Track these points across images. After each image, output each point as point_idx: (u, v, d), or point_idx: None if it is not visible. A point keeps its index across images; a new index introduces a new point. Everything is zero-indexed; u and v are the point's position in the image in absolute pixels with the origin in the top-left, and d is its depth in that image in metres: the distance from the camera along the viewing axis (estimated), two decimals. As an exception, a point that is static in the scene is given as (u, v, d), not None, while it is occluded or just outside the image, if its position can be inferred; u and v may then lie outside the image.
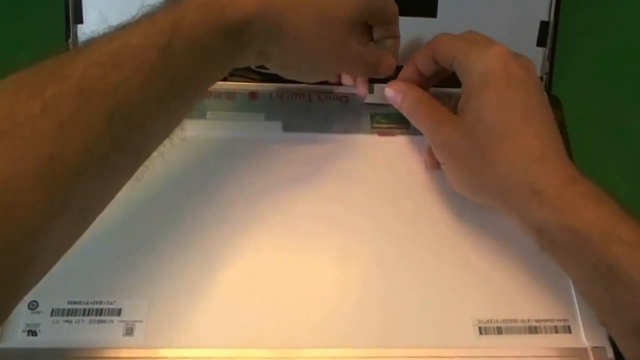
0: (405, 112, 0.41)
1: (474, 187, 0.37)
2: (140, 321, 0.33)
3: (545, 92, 0.40)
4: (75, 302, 0.33)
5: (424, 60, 0.41)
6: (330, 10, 0.35)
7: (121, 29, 0.30)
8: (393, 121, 0.42)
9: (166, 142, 0.33)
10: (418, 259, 0.37)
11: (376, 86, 0.43)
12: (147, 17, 0.31)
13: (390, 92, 0.41)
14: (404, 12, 0.44)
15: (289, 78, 0.39)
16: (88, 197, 0.29)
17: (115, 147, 0.28)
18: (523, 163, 0.34)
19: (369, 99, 0.43)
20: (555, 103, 0.44)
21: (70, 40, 0.43)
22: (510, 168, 0.35)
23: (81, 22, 0.44)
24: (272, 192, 0.38)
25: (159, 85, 0.30)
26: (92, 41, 0.30)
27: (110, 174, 0.29)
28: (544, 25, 0.46)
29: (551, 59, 0.46)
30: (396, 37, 0.42)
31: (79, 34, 0.44)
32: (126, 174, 0.31)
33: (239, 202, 0.38)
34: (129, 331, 0.32)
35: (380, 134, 0.42)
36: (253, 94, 0.43)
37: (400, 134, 0.42)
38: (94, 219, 0.30)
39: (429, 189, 0.40)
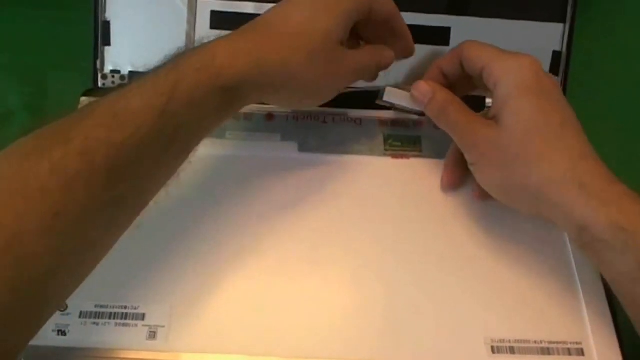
0: (432, 113, 0.42)
1: (507, 188, 0.39)
2: (163, 326, 0.37)
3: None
4: (102, 306, 0.37)
5: (450, 64, 0.44)
6: (318, 43, 0.39)
7: (125, 89, 0.34)
8: (406, 144, 0.46)
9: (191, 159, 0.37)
10: (431, 277, 0.40)
11: (388, 89, 0.45)
12: (150, 77, 0.34)
13: (416, 93, 0.43)
14: (418, 40, 0.49)
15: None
16: (91, 245, 0.32)
17: (114, 202, 0.32)
18: (568, 160, 0.37)
19: (387, 96, 0.45)
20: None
21: (98, 61, 0.49)
22: (555, 165, 0.37)
23: (109, 44, 0.49)
24: (287, 209, 0.42)
25: (157, 144, 0.33)
26: (97, 103, 0.33)
27: (110, 225, 0.33)
28: (556, 54, 0.50)
29: (564, 87, 0.50)
30: (403, 29, 0.44)
31: (106, 55, 0.49)
32: (124, 224, 0.34)
33: (256, 217, 0.42)
34: (152, 335, 0.37)
35: (394, 156, 0.46)
36: (270, 116, 0.47)
37: (413, 156, 0.46)
38: (99, 261, 0.33)
39: (441, 210, 0.43)
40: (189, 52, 0.36)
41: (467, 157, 0.41)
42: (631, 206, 0.35)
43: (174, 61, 0.35)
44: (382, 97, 0.44)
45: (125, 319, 0.37)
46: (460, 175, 0.44)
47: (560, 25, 0.50)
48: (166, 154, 0.34)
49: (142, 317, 0.37)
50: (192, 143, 0.36)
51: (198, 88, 0.34)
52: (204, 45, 0.36)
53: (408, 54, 0.45)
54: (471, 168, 0.41)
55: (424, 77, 0.45)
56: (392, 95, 0.44)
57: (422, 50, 0.49)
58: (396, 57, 0.44)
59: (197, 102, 0.34)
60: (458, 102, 0.42)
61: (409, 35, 0.45)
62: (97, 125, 0.32)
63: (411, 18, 0.49)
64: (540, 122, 0.38)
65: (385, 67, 0.44)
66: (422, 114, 0.43)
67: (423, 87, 0.43)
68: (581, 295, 0.40)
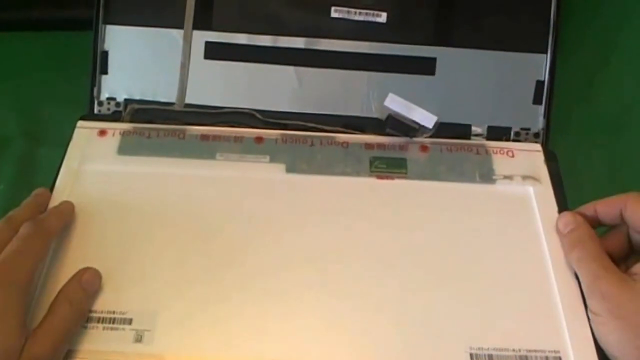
0: (569, 242, 0.45)
1: (629, 349, 0.39)
2: (149, 330, 0.41)
3: None
4: (91, 311, 0.41)
5: (608, 210, 0.45)
6: None
7: None
8: (391, 166, 0.50)
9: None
10: (413, 288, 0.43)
11: (391, 95, 0.50)
12: None
13: (561, 221, 0.46)
14: (405, 71, 0.54)
15: None
16: None
17: None
18: None
19: (388, 101, 0.50)
20: (551, 157, 0.52)
21: (95, 88, 0.54)
22: None
23: (106, 73, 0.54)
24: (274, 227, 0.46)
25: None
26: None
27: None
28: (539, 84, 0.55)
29: (547, 115, 0.54)
30: None
31: (103, 83, 0.54)
32: None
33: (243, 233, 0.46)
34: (139, 338, 0.40)
35: (379, 177, 0.50)
36: (259, 138, 0.51)
37: (398, 178, 0.50)
38: None
39: (424, 229, 0.47)
40: None
41: (589, 302, 0.42)
42: None
43: None
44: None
45: (113, 323, 0.41)
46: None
47: (543, 56, 0.54)
48: None
49: (129, 321, 0.41)
50: None
51: None
52: None
53: None
54: (590, 315, 0.42)
55: (578, 209, 0.47)
56: (395, 103, 0.49)
57: (409, 80, 0.54)
58: None
59: None
60: (597, 243, 0.43)
61: None
62: None
63: (398, 49, 0.54)
64: None
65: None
66: (414, 131, 0.48)
67: (568, 217, 0.46)
68: (559, 304, 0.43)
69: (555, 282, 0.44)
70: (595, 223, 0.46)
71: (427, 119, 0.51)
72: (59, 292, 0.40)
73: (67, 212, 0.45)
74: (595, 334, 0.41)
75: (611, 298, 0.40)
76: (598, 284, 0.41)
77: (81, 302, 0.40)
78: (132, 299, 0.42)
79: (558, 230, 0.46)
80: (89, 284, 0.41)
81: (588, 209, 0.46)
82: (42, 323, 0.38)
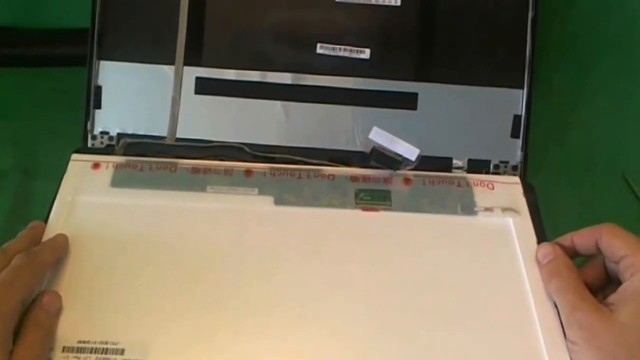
0: (546, 273, 0.46)
1: None
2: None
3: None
4: (84, 342, 0.42)
5: (585, 240, 0.46)
6: None
7: None
8: (376, 198, 0.52)
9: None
10: (395, 322, 0.44)
11: (375, 128, 0.52)
12: None
13: (540, 252, 0.47)
14: (387, 105, 0.56)
15: None
16: None
17: None
18: None
19: (373, 134, 0.51)
20: (529, 189, 0.54)
21: (89, 122, 0.55)
22: None
23: (99, 107, 0.56)
24: (262, 258, 0.47)
25: None
26: None
27: None
28: (517, 118, 0.56)
29: (525, 149, 0.56)
30: None
31: (96, 117, 0.56)
32: None
33: (232, 265, 0.47)
34: (131, 368, 0.41)
35: (364, 209, 0.51)
36: (248, 172, 0.53)
37: (383, 209, 0.51)
38: None
39: (407, 261, 0.48)
40: None
41: (567, 331, 0.43)
42: None
43: None
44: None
45: (106, 353, 0.41)
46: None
47: (520, 91, 0.56)
48: None
49: (122, 352, 0.41)
50: None
51: None
52: None
53: None
54: (568, 344, 0.42)
55: (555, 241, 0.48)
56: (379, 136, 0.50)
57: (392, 115, 0.56)
58: None
59: None
60: (576, 274, 0.45)
61: None
62: None
63: (381, 84, 0.56)
64: None
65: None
66: (398, 163, 0.49)
67: (546, 248, 0.47)
68: (540, 334, 0.44)
69: (536, 312, 0.45)
70: (572, 253, 0.47)
71: (410, 152, 0.53)
72: (25, 320, 0.41)
73: (61, 245, 0.46)
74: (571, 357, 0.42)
75: (588, 328, 0.41)
76: (575, 314, 0.42)
77: (48, 324, 0.42)
78: (124, 329, 0.43)
79: (537, 261, 0.48)
80: (50, 304, 0.42)
81: (565, 239, 0.47)
82: (16, 350, 0.39)
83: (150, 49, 0.56)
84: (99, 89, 0.56)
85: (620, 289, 0.42)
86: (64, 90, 0.63)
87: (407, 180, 0.53)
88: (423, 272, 0.48)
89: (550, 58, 0.67)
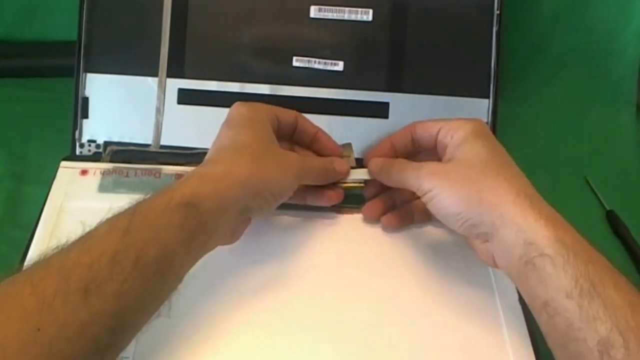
0: (384, 178, 0.51)
1: (466, 206, 0.44)
2: (128, 357, 0.43)
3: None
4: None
5: (402, 139, 0.52)
6: (254, 147, 0.46)
7: (100, 222, 0.39)
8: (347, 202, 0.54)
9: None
10: (365, 319, 0.46)
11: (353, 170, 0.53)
12: (118, 210, 0.40)
13: (370, 167, 0.52)
14: (361, 114, 0.58)
15: None
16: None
17: (93, 319, 0.35)
18: (519, 185, 0.44)
19: (352, 176, 0.53)
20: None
21: (77, 131, 0.58)
22: (510, 187, 0.43)
23: (87, 117, 0.58)
24: (243, 258, 0.49)
25: (125, 262, 0.37)
26: (73, 241, 0.38)
27: (90, 344, 0.35)
28: (483, 125, 0.59)
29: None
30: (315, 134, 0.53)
31: (84, 126, 0.58)
32: (106, 347, 0.36)
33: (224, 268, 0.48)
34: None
35: (338, 212, 0.54)
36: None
37: (357, 212, 0.53)
38: None
39: (377, 258, 0.51)
40: None
41: (422, 187, 0.46)
42: (568, 226, 0.42)
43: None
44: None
45: None
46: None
47: (486, 101, 0.59)
48: (136, 274, 0.37)
49: None
50: (164, 263, 0.39)
51: (156, 207, 0.40)
52: None
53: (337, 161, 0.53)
54: (426, 197, 0.46)
55: (376, 147, 0.54)
56: (355, 175, 0.53)
57: (364, 123, 0.59)
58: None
59: (156, 219, 0.39)
60: (401, 159, 0.50)
61: (330, 142, 0.53)
62: (71, 251, 0.37)
63: (355, 95, 0.59)
64: (494, 156, 0.46)
65: (336, 175, 0.52)
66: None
67: (373, 161, 0.52)
68: (506, 335, 0.46)
69: (502, 313, 0.47)
70: (393, 154, 0.53)
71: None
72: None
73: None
74: (437, 215, 0.47)
75: (437, 171, 0.47)
76: (422, 170, 0.47)
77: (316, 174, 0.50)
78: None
79: (374, 175, 0.52)
80: (340, 166, 0.52)
81: (384, 146, 0.53)
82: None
83: (135, 61, 0.58)
84: (86, 100, 0.58)
85: (448, 149, 0.48)
86: (53, 99, 0.66)
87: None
88: (394, 263, 0.50)
89: (513, 68, 0.70)
